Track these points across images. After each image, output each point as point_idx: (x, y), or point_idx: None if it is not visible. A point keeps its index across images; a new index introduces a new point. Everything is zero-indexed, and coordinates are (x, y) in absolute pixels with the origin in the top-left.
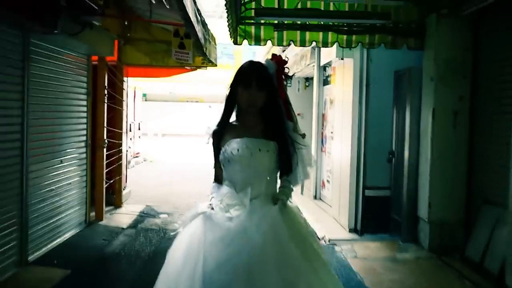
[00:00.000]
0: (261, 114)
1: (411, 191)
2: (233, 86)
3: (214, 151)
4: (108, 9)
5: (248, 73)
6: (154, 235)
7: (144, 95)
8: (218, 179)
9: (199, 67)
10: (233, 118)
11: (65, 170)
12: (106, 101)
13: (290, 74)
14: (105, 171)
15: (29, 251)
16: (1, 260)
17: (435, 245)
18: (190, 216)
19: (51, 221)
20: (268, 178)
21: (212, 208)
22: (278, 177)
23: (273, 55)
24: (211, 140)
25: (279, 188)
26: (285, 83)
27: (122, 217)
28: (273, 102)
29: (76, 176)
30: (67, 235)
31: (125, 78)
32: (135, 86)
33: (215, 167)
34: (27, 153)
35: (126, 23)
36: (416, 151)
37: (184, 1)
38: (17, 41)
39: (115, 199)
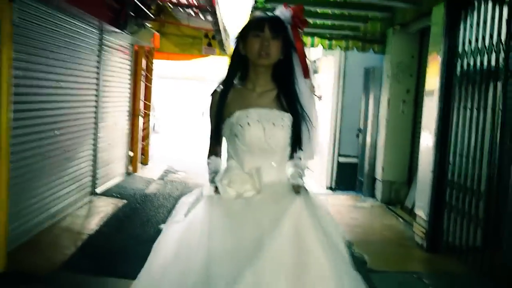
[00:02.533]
0: (273, 75)
1: (371, 158)
2: (242, 35)
3: (212, 118)
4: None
5: (261, 19)
6: (178, 185)
7: None
8: (215, 152)
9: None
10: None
11: (117, 131)
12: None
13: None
14: (140, 134)
15: (97, 186)
16: (81, 190)
17: (385, 198)
18: (190, 203)
19: (108, 166)
20: (281, 158)
21: (217, 191)
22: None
23: (285, 3)
24: (210, 103)
25: (291, 168)
26: (301, 31)
27: (151, 171)
28: (287, 58)
29: (122, 136)
30: (116, 180)
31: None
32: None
33: (211, 138)
34: (97, 118)
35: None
36: (376, 129)
37: (218, 20)
38: (96, 37)
39: (143, 158)
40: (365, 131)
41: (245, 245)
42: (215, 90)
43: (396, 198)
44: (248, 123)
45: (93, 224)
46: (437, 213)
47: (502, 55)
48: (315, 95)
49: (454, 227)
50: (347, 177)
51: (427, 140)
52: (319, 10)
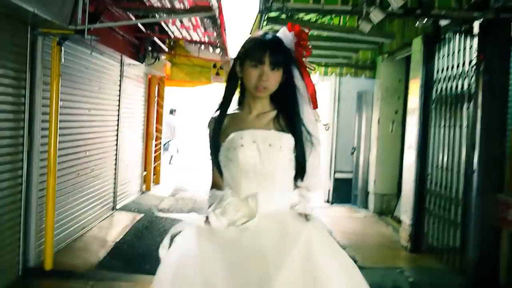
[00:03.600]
0: (271, 99)
1: (365, 174)
2: (238, 61)
3: (211, 147)
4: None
5: (260, 45)
6: (189, 201)
7: None
8: (217, 185)
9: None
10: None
11: (133, 153)
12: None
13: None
14: (152, 156)
15: (117, 202)
16: (105, 205)
17: (377, 208)
18: (176, 232)
19: (126, 184)
20: (282, 184)
21: (208, 221)
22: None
23: (290, 24)
24: (208, 132)
25: (296, 196)
26: (305, 59)
27: (162, 189)
28: (290, 85)
29: (138, 157)
30: (132, 197)
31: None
32: None
33: (212, 168)
34: (118, 141)
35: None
36: (368, 147)
37: (227, 52)
38: (118, 69)
39: (155, 178)
40: (358, 149)
41: (246, 277)
42: (212, 119)
43: (387, 209)
44: (242, 145)
45: (117, 233)
46: (418, 218)
47: (470, 80)
48: (321, 124)
49: (433, 230)
50: (343, 191)
51: (410, 154)
52: (314, 43)
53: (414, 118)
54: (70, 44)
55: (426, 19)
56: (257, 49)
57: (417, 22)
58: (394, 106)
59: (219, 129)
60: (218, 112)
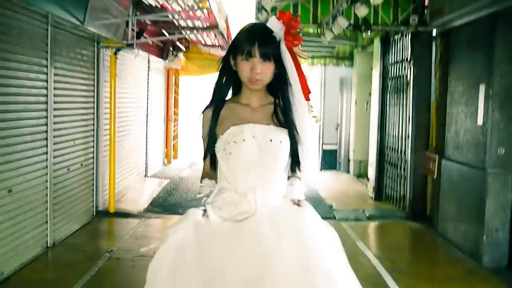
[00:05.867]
0: (268, 91)
1: (346, 145)
2: (231, 55)
3: (204, 137)
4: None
5: (249, 38)
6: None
7: None
8: (210, 175)
9: None
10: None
11: (157, 132)
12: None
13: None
14: (172, 134)
15: (148, 171)
16: (140, 173)
17: (356, 172)
18: (176, 228)
19: (153, 157)
20: (280, 178)
21: (206, 214)
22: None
23: (280, 12)
24: (201, 121)
25: (289, 186)
26: (296, 48)
27: (180, 163)
28: (282, 75)
29: (161, 136)
30: (159, 168)
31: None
32: None
33: (205, 159)
34: (148, 123)
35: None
36: (349, 123)
37: None
38: (146, 66)
39: (173, 153)
40: (341, 125)
41: (244, 271)
42: (207, 107)
43: (364, 172)
44: (243, 139)
45: (153, 191)
46: (379, 175)
47: (407, 71)
48: (312, 115)
49: (389, 183)
50: (330, 160)
51: (373, 128)
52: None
53: (375, 99)
54: (122, 53)
55: (369, 32)
56: (246, 42)
57: (363, 34)
58: (367, 89)
59: (216, 120)
60: (213, 104)
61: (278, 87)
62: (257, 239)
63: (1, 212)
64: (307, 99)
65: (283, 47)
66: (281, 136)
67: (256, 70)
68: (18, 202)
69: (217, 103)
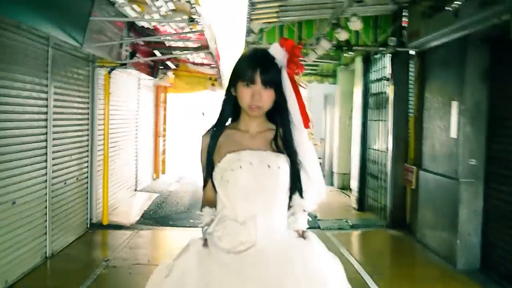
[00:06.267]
0: (267, 117)
1: (330, 158)
2: (232, 81)
3: (204, 165)
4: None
5: (251, 64)
6: (190, 186)
7: None
8: (210, 203)
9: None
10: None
11: (146, 148)
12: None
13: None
14: (160, 149)
15: (137, 186)
16: (130, 187)
17: (340, 184)
18: (178, 260)
19: (142, 172)
20: (280, 204)
21: (206, 244)
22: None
23: (282, 39)
24: (200, 147)
25: (291, 216)
26: (298, 76)
27: (169, 177)
28: (282, 103)
29: (149, 151)
30: (148, 182)
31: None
32: None
33: (205, 186)
34: (137, 139)
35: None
36: (333, 137)
37: (221, 74)
38: (136, 82)
39: (162, 168)
40: (325, 139)
41: None
42: (207, 132)
43: (347, 184)
44: (240, 166)
45: (143, 204)
46: (362, 187)
47: (387, 88)
48: (314, 144)
49: (371, 194)
50: None
51: (356, 142)
52: None
53: (357, 115)
54: (114, 71)
55: (350, 52)
56: (248, 69)
57: (346, 54)
58: (350, 105)
59: (214, 146)
60: (213, 129)
61: (278, 114)
62: (262, 271)
63: (6, 224)
64: (307, 126)
65: (285, 75)
66: (279, 162)
67: (257, 97)
68: (20, 214)
69: (216, 129)
